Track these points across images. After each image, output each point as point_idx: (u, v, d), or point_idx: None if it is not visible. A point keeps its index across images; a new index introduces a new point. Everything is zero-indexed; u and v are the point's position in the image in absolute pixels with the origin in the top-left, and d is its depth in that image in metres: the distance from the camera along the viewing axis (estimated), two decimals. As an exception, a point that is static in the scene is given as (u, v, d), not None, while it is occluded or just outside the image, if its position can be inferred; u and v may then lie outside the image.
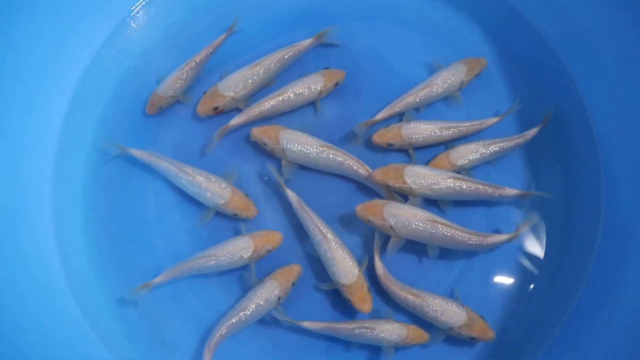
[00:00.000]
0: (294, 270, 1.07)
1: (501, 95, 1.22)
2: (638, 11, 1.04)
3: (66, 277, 1.09)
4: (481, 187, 1.08)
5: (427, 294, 1.04)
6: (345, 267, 1.03)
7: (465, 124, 1.16)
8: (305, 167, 1.16)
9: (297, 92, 1.16)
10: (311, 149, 1.11)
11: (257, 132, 1.14)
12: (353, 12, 1.28)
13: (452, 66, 1.20)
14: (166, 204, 1.16)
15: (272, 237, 1.08)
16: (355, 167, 1.12)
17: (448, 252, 1.09)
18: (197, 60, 1.21)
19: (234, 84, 1.17)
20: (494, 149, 1.13)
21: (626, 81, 1.07)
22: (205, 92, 1.19)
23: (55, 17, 1.14)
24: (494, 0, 1.27)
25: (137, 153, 1.15)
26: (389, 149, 1.16)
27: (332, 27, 1.22)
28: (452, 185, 1.07)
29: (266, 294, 1.03)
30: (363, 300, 1.02)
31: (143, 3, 1.28)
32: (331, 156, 1.11)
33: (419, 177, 1.07)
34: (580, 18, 1.14)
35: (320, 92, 1.17)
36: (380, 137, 1.14)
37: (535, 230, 1.12)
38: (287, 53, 1.20)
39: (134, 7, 1.27)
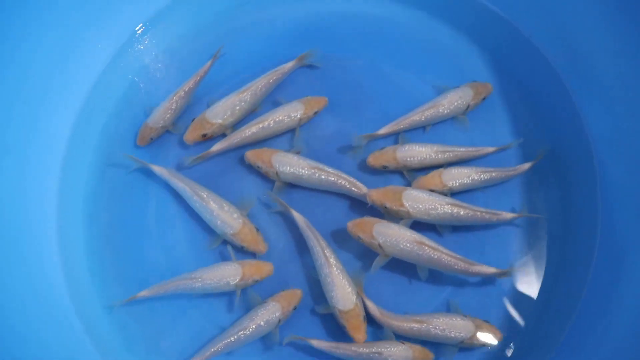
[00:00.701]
0: (296, 295, 1.07)
1: (504, 120, 1.22)
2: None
3: (67, 287, 1.09)
4: (479, 213, 1.08)
5: (428, 316, 1.04)
6: (344, 293, 1.03)
7: (461, 149, 1.15)
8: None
9: (277, 119, 1.17)
10: (303, 170, 1.12)
11: (251, 156, 1.15)
12: (353, 28, 1.29)
13: (460, 88, 1.20)
14: (168, 217, 1.16)
15: (261, 268, 1.08)
16: (348, 186, 1.12)
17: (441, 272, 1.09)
18: (186, 90, 1.21)
19: (221, 111, 1.18)
20: (486, 177, 1.13)
21: (629, 109, 1.08)
22: (193, 120, 1.19)
23: (62, 35, 1.16)
24: (499, 25, 1.27)
25: (157, 169, 1.16)
26: (384, 171, 1.16)
27: (313, 50, 1.25)
28: (449, 211, 1.07)
29: (267, 315, 1.03)
30: (358, 328, 1.02)
31: (147, 23, 1.29)
32: (323, 176, 1.12)
33: (417, 201, 1.07)
34: (588, 48, 1.15)
35: (300, 119, 1.18)
36: (375, 159, 1.14)
37: (534, 250, 1.13)
38: (271, 77, 1.21)
39: (138, 27, 1.29)
